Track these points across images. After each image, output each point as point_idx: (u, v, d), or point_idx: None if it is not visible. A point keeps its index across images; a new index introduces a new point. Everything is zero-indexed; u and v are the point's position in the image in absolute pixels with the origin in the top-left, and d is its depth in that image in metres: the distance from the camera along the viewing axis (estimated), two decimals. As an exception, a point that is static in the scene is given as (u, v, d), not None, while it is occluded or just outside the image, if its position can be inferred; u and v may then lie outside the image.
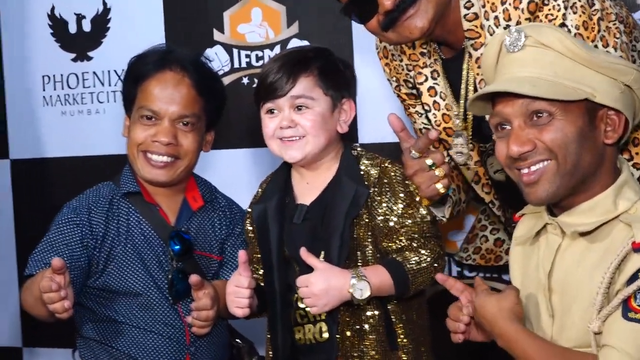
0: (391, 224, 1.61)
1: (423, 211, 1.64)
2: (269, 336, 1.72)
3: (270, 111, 1.60)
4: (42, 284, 1.50)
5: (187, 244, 1.78)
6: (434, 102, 1.77)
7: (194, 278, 1.64)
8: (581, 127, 1.28)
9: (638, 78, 1.32)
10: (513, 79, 1.32)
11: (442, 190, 1.61)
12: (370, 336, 1.59)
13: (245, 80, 2.32)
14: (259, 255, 1.71)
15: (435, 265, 1.61)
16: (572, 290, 1.33)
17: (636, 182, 1.38)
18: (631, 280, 1.21)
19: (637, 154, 1.53)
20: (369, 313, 1.60)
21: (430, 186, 1.60)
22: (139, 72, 1.80)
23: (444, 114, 1.78)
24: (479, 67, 1.62)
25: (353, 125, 2.03)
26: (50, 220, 1.86)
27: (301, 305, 1.61)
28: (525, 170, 1.31)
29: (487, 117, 1.47)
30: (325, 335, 1.62)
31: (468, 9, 1.61)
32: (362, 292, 1.52)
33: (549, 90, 1.27)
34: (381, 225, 1.61)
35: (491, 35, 1.59)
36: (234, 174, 2.33)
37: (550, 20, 1.51)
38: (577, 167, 1.30)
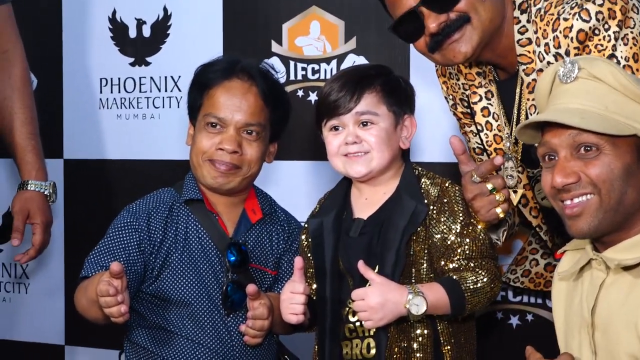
0: (449, 242, 1.53)
1: (481, 232, 1.55)
2: (316, 350, 1.64)
3: (335, 128, 1.54)
4: (99, 287, 1.44)
5: (244, 256, 1.70)
6: (487, 122, 1.72)
7: (251, 288, 1.56)
8: (628, 163, 1.23)
9: None
10: (563, 110, 1.27)
11: (501, 215, 1.54)
12: (417, 354, 1.51)
13: (300, 93, 2.26)
14: (312, 270, 1.64)
15: (492, 286, 1.52)
16: (617, 327, 1.26)
17: None
18: None
19: None
20: (418, 331, 1.53)
21: (490, 210, 1.53)
22: (206, 79, 1.73)
23: (495, 135, 1.72)
24: (530, 92, 1.58)
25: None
26: (101, 221, 1.86)
27: (352, 320, 1.55)
28: (568, 202, 1.26)
29: (536, 145, 1.38)
30: (373, 351, 1.54)
31: (522, 34, 1.57)
32: (419, 307, 1.44)
33: (598, 124, 1.22)
34: (439, 243, 1.53)
35: (541, 61, 1.54)
36: (292, 186, 2.29)
37: (599, 51, 1.47)
38: (620, 203, 1.24)
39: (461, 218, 1.55)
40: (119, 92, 2.45)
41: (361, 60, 2.18)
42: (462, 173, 1.58)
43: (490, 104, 1.71)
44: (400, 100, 1.57)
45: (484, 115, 1.72)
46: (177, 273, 1.69)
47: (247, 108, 1.69)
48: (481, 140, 1.77)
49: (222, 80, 1.70)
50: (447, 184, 1.58)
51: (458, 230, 1.54)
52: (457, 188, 1.58)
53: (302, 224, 1.77)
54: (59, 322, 2.54)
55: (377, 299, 1.45)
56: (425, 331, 1.53)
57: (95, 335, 2.28)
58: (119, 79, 2.43)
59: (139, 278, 1.67)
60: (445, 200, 1.57)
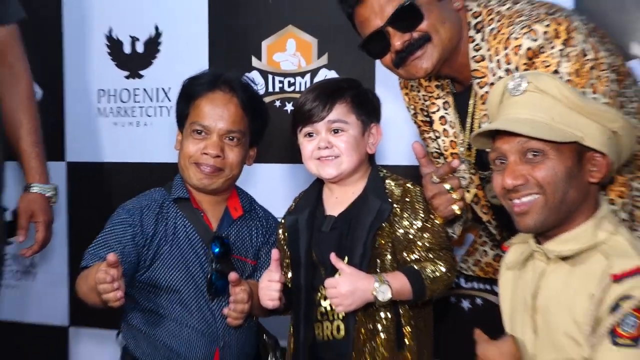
0: (410, 236, 1.64)
1: (439, 227, 1.68)
2: (291, 332, 1.75)
3: (309, 134, 1.64)
4: (97, 275, 1.53)
5: (226, 248, 1.80)
6: (444, 129, 1.80)
7: (233, 276, 1.67)
8: (570, 167, 1.31)
9: (624, 126, 1.35)
10: (514, 120, 1.34)
11: (457, 212, 1.65)
12: (381, 335, 1.62)
13: (277, 103, 2.35)
14: (288, 260, 1.74)
15: (449, 274, 1.64)
16: (556, 311, 1.35)
17: (614, 217, 1.41)
18: (614, 309, 1.23)
19: (611, 190, 1.57)
20: (382, 315, 1.62)
21: (447, 207, 1.64)
22: (192, 91, 1.82)
23: (451, 141, 1.80)
24: (482, 103, 1.66)
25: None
26: (100, 217, 1.89)
27: (323, 304, 1.65)
28: (517, 202, 1.34)
29: (487, 150, 1.48)
30: (342, 332, 1.65)
31: (476, 51, 1.65)
32: (384, 294, 1.55)
33: (546, 132, 1.30)
34: (401, 237, 1.64)
35: (493, 75, 1.63)
36: (270, 186, 2.35)
37: (546, 67, 1.54)
38: (563, 202, 1.32)
39: (422, 215, 1.65)
40: (115, 102, 2.53)
41: (332, 75, 2.25)
42: (422, 174, 1.67)
43: (447, 113, 1.80)
44: (368, 110, 1.66)
45: (441, 124, 1.81)
46: (167, 263, 1.78)
47: (229, 117, 1.78)
48: (439, 145, 1.85)
49: (207, 92, 1.79)
50: (409, 185, 1.69)
51: (419, 226, 1.63)
52: (418, 188, 1.68)
53: (279, 219, 1.85)
54: (63, 306, 2.63)
55: (347, 287, 1.54)
56: (389, 315, 1.61)
57: (95, 317, 2.34)
58: (115, 90, 2.51)
59: (133, 267, 1.76)
60: (407, 199, 1.66)
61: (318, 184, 1.75)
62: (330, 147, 1.62)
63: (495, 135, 1.37)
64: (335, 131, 1.62)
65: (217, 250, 1.78)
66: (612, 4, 2.05)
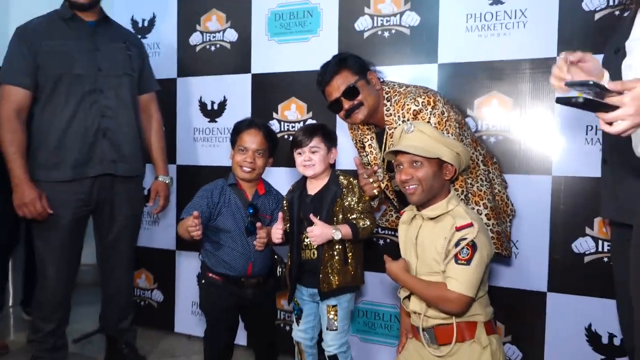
0: (351, 206, 2.00)
1: (367, 201, 2.02)
2: (289, 255, 2.10)
3: (299, 153, 2.02)
4: (188, 223, 1.98)
5: (255, 209, 2.21)
6: (370, 151, 2.14)
7: (259, 224, 2.09)
8: (435, 171, 1.66)
9: (462, 151, 1.71)
10: (406, 145, 1.67)
11: (376, 193, 2.03)
12: (336, 257, 1.98)
13: (286, 136, 2.76)
14: (288, 218, 2.08)
15: (372, 226, 1.97)
16: (427, 246, 1.67)
17: (457, 197, 1.73)
18: (457, 244, 1.58)
19: (457, 183, 1.88)
20: (336, 246, 1.97)
21: (370, 191, 2.02)
22: (239, 129, 2.25)
23: (374, 157, 2.13)
24: (390, 137, 1.96)
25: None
26: (191, 194, 2.29)
27: (306, 241, 2.01)
28: (408, 188, 1.68)
29: (393, 161, 1.79)
30: (315, 256, 2.01)
31: (387, 111, 2.00)
32: (337, 236, 1.91)
33: (422, 152, 1.63)
34: (347, 206, 1.99)
35: (396, 124, 1.94)
36: (279, 178, 2.66)
37: (423, 119, 1.88)
38: (431, 189, 1.66)
39: (357, 195, 2.01)
40: (201, 134, 3.03)
41: (314, 121, 2.66)
42: (358, 173, 2.05)
43: (372, 143, 2.13)
44: (330, 141, 2.04)
45: (369, 147, 2.14)
46: (225, 217, 2.20)
47: (257, 142, 2.19)
48: (368, 159, 2.18)
49: (246, 129, 2.22)
50: (350, 178, 2.04)
51: (355, 200, 1.99)
52: (355, 180, 2.03)
53: (284, 196, 2.17)
54: (172, 238, 3.10)
55: (318, 232, 1.90)
56: (339, 247, 1.97)
57: (188, 245, 2.80)
58: (202, 129, 3.03)
59: (206, 219, 2.14)
60: (350, 187, 2.01)
61: (304, 178, 2.09)
62: (310, 160, 1.99)
63: (397, 153, 1.68)
64: (313, 152, 2.00)
65: (250, 210, 2.19)
66: (457, 87, 2.39)
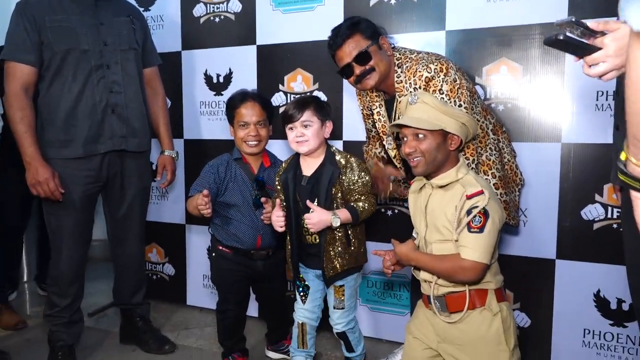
0: (350, 187, 1.98)
1: (368, 182, 1.96)
2: (287, 240, 2.11)
3: (290, 128, 1.99)
4: (197, 201, 2.02)
5: (262, 182, 2.24)
6: (379, 118, 2.13)
7: (264, 198, 2.15)
8: (439, 142, 1.65)
9: (468, 120, 1.68)
10: (410, 117, 1.67)
11: (403, 189, 2.08)
12: (338, 240, 2.00)
13: None
14: (284, 203, 2.07)
15: (371, 208, 1.97)
16: (437, 213, 1.66)
17: (466, 166, 1.71)
18: (468, 212, 1.56)
19: (466, 151, 1.89)
20: (338, 230, 1.98)
21: (396, 190, 2.08)
22: (233, 104, 2.28)
23: (382, 125, 2.13)
24: (400, 104, 1.88)
25: (339, 130, 2.56)
26: (198, 168, 2.33)
27: (305, 226, 2.01)
28: (412, 160, 1.68)
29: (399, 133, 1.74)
30: (317, 240, 2.02)
31: (398, 77, 1.98)
32: (336, 222, 1.91)
33: (424, 125, 1.62)
34: (346, 188, 1.97)
35: (407, 91, 1.94)
36: (282, 151, 2.73)
37: (434, 86, 1.88)
38: (434, 161, 1.65)
39: (356, 175, 1.97)
40: (206, 108, 3.02)
41: (321, 94, 2.66)
42: (382, 175, 2.08)
43: (380, 110, 2.11)
44: (323, 114, 2.00)
45: (378, 114, 2.12)
46: (232, 191, 2.23)
47: (257, 113, 2.22)
48: (376, 126, 2.15)
49: (242, 103, 2.24)
50: (349, 157, 2.00)
51: (354, 180, 1.98)
52: (354, 159, 1.99)
53: (276, 175, 2.12)
54: (182, 211, 3.09)
55: (316, 219, 1.90)
56: (342, 230, 1.98)
57: (198, 219, 2.80)
58: (208, 102, 3.01)
59: (215, 195, 2.19)
60: (348, 166, 1.98)
61: (297, 156, 2.05)
62: (302, 136, 1.95)
63: (401, 125, 1.68)
64: (305, 126, 1.95)
65: (256, 184, 2.23)
66: (468, 53, 2.36)
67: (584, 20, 1.06)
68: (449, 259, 1.57)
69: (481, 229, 1.51)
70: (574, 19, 1.02)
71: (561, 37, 1.00)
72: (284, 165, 2.11)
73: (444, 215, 1.59)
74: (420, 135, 1.61)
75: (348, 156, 1.96)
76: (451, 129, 1.62)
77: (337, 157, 1.95)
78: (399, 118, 1.76)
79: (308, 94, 2.70)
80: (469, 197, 1.54)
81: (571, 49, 1.05)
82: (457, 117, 1.63)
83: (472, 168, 1.85)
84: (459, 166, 1.64)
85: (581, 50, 1.06)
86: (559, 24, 1.04)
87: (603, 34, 1.04)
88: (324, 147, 1.98)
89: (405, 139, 1.65)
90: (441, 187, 1.64)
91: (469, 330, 1.61)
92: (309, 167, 1.99)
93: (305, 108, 1.94)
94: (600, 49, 1.04)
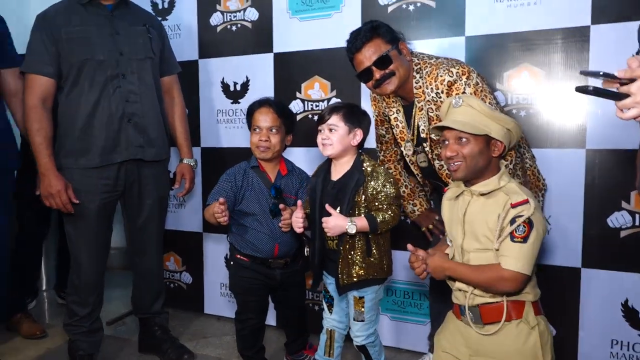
0: (373, 196, 1.94)
1: (390, 191, 1.91)
2: (308, 243, 2.11)
3: (320, 130, 2.00)
4: (215, 209, 2.02)
5: (279, 190, 2.24)
6: (397, 124, 2.13)
7: (282, 206, 2.13)
8: (481, 148, 1.61)
9: (514, 126, 1.65)
10: (453, 121, 1.63)
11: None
12: (357, 248, 1.96)
13: (309, 116, 2.80)
14: (308, 202, 2.07)
15: (393, 219, 1.91)
16: (477, 222, 1.62)
17: (508, 174, 1.67)
18: (512, 222, 1.53)
19: (508, 156, 1.84)
20: (357, 237, 1.95)
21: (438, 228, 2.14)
22: (251, 110, 2.29)
23: (400, 131, 2.13)
24: (419, 111, 1.99)
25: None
26: (216, 177, 2.32)
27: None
28: (452, 165, 1.64)
29: (435, 136, 1.75)
30: (336, 246, 2.00)
31: (417, 83, 1.99)
32: (351, 229, 1.88)
33: (468, 129, 1.60)
34: (369, 196, 1.94)
35: (427, 96, 1.96)
36: (301, 158, 2.76)
37: (457, 90, 1.89)
38: (475, 167, 1.62)
39: (380, 184, 1.93)
40: (224, 116, 3.06)
41: (338, 100, 2.66)
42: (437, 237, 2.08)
43: (397, 116, 2.13)
44: (353, 121, 1.97)
45: (395, 120, 2.13)
46: (249, 200, 2.24)
47: (269, 119, 2.23)
48: (392, 133, 2.19)
49: (258, 108, 2.26)
50: (377, 166, 1.96)
51: (378, 190, 1.93)
52: (381, 168, 1.95)
53: (309, 178, 2.13)
54: (200, 220, 3.11)
55: (332, 224, 1.89)
56: (362, 237, 1.94)
57: (217, 228, 2.64)
58: (225, 110, 3.05)
59: (232, 203, 2.20)
60: (374, 174, 1.93)
61: (328, 161, 2.04)
62: (327, 139, 1.96)
63: (443, 128, 1.66)
64: (331, 130, 1.96)
65: (274, 192, 2.23)
66: (487, 60, 2.36)
67: (608, 72, 1.14)
68: (488, 269, 1.54)
69: (525, 239, 1.49)
70: (601, 72, 1.11)
71: (591, 89, 1.08)
72: (316, 170, 2.11)
73: (485, 224, 1.57)
74: (463, 139, 1.60)
75: (376, 165, 1.95)
76: (496, 135, 1.61)
77: (365, 165, 1.94)
78: (418, 124, 1.75)
79: (327, 102, 2.71)
80: (513, 206, 1.51)
81: (601, 95, 1.13)
82: (503, 122, 1.62)
83: (511, 170, 1.83)
84: (502, 173, 1.63)
85: (609, 96, 1.14)
86: (584, 73, 1.13)
87: (630, 80, 1.11)
88: (353, 153, 1.97)
89: (446, 142, 1.64)
90: (482, 194, 1.61)
91: (505, 343, 1.58)
92: (337, 172, 1.99)
93: (334, 112, 1.95)
94: (628, 95, 1.11)
